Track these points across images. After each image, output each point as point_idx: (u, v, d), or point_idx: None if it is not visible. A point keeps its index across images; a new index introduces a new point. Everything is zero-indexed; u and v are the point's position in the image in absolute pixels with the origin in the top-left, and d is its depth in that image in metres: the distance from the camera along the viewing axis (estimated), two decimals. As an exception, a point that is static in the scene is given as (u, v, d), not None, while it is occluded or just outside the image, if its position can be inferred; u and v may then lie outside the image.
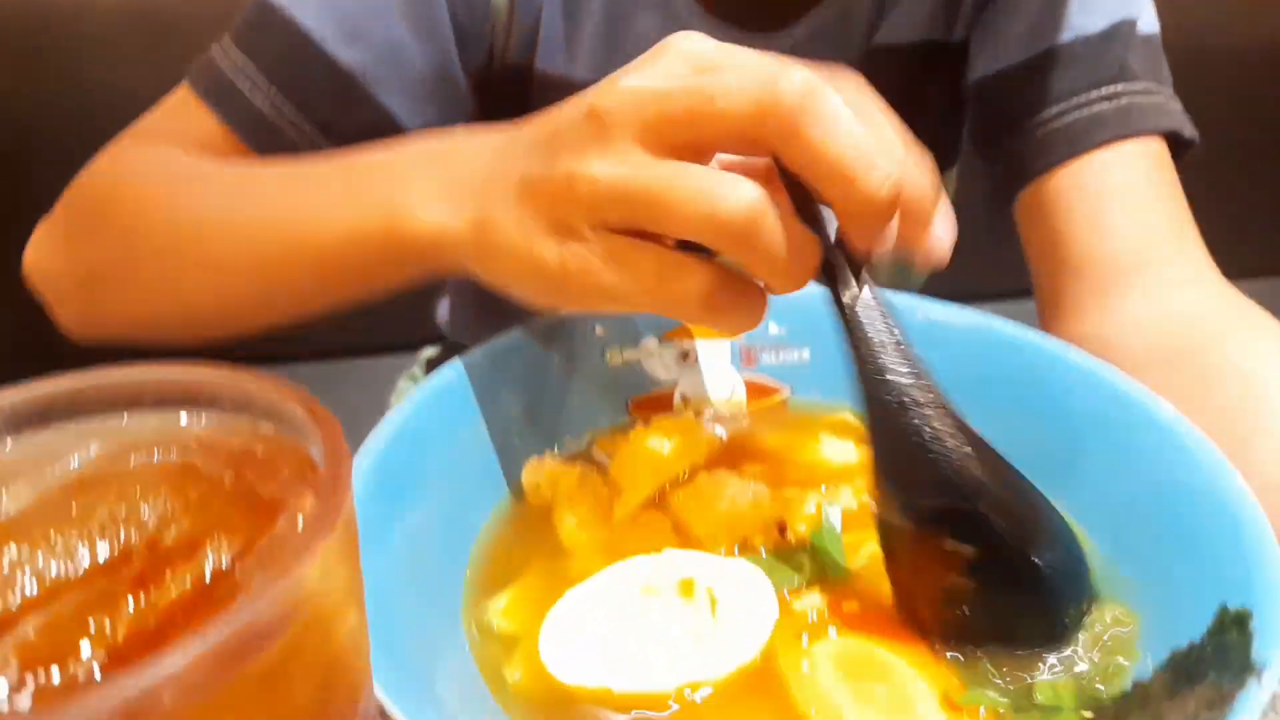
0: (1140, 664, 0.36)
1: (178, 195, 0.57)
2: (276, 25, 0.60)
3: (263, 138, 0.60)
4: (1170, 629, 0.36)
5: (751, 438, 0.51)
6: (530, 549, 0.45)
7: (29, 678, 0.20)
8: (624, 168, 0.35)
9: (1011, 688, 0.38)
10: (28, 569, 0.24)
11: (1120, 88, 0.61)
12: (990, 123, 0.65)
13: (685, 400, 0.54)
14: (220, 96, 0.61)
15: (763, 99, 0.34)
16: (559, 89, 0.66)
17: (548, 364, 0.51)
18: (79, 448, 0.28)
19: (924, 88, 0.68)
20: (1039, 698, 0.38)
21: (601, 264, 0.37)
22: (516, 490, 0.47)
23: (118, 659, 0.22)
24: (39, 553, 0.24)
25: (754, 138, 0.35)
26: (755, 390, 0.55)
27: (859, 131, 0.34)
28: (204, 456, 0.28)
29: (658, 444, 0.47)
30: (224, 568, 0.24)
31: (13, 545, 0.24)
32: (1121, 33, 0.62)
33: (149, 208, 0.58)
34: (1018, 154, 0.63)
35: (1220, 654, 0.31)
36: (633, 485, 0.45)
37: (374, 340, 1.60)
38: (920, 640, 0.40)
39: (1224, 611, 0.32)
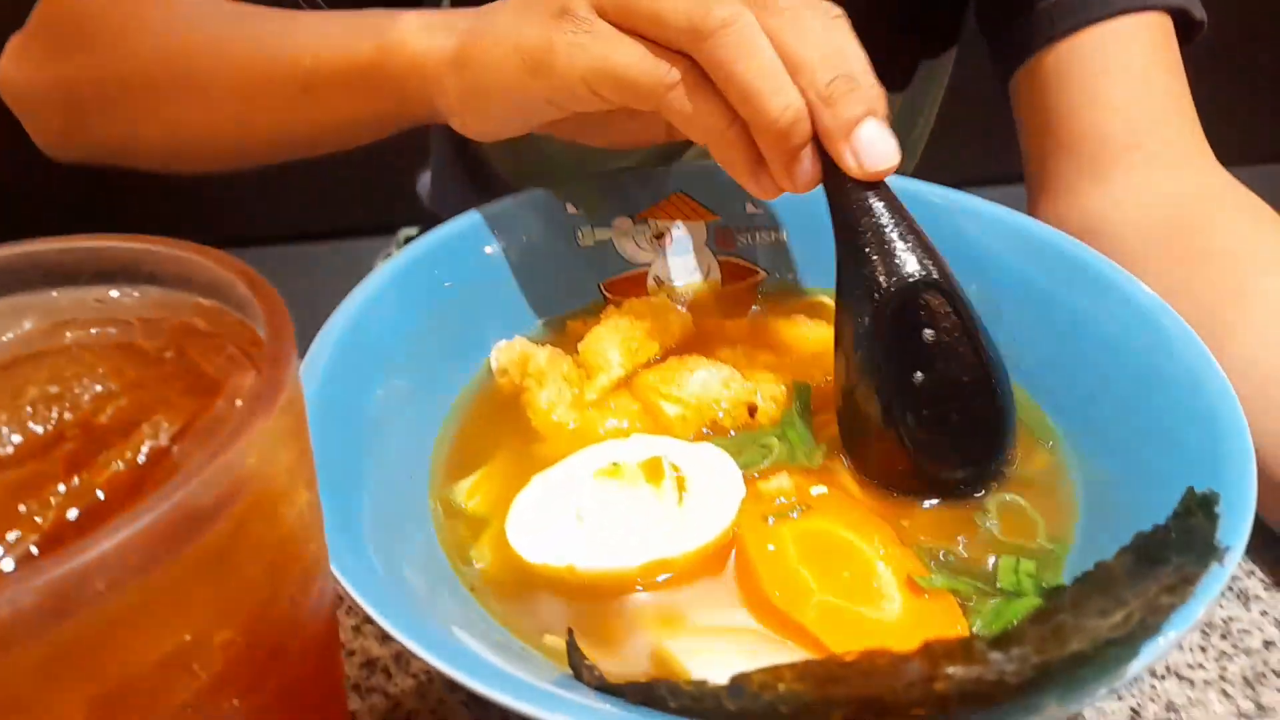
0: (1096, 542, 0.37)
1: (170, 20, 0.56)
2: None
3: None
4: (1137, 510, 0.36)
5: (725, 320, 0.51)
6: (499, 431, 0.44)
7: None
8: None
9: (974, 577, 0.38)
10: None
11: None
12: (984, 8, 0.62)
13: (659, 282, 0.53)
14: None
15: (693, 18, 0.38)
16: None
17: (517, 243, 0.50)
18: (11, 324, 0.27)
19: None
20: (1000, 583, 0.38)
21: (590, 40, 0.39)
22: (485, 372, 0.47)
23: (50, 542, 0.21)
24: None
25: (688, 51, 0.39)
26: (731, 272, 0.53)
27: (771, 63, 0.38)
28: (143, 333, 0.27)
29: (628, 326, 0.46)
30: (161, 447, 0.23)
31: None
32: None
33: (137, 29, 0.56)
34: (1022, 29, 0.60)
35: (1184, 537, 0.31)
36: (602, 367, 0.44)
37: (351, 221, 1.57)
38: (883, 523, 0.41)
39: (1190, 494, 0.32)
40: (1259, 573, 0.46)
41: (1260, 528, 0.47)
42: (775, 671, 0.25)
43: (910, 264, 0.39)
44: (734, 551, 0.40)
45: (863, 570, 0.40)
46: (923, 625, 0.38)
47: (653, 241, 0.53)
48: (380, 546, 0.33)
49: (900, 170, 0.88)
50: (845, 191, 0.40)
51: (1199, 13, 0.60)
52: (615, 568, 0.38)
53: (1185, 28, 0.60)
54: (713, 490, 0.40)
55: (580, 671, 0.30)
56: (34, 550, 0.21)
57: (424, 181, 1.00)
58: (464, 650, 0.30)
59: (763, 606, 0.38)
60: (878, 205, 0.40)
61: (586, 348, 0.45)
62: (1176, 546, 0.30)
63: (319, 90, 0.50)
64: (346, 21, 0.51)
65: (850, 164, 0.39)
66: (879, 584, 0.39)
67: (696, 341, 0.48)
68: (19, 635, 0.18)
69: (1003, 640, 0.25)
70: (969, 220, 0.49)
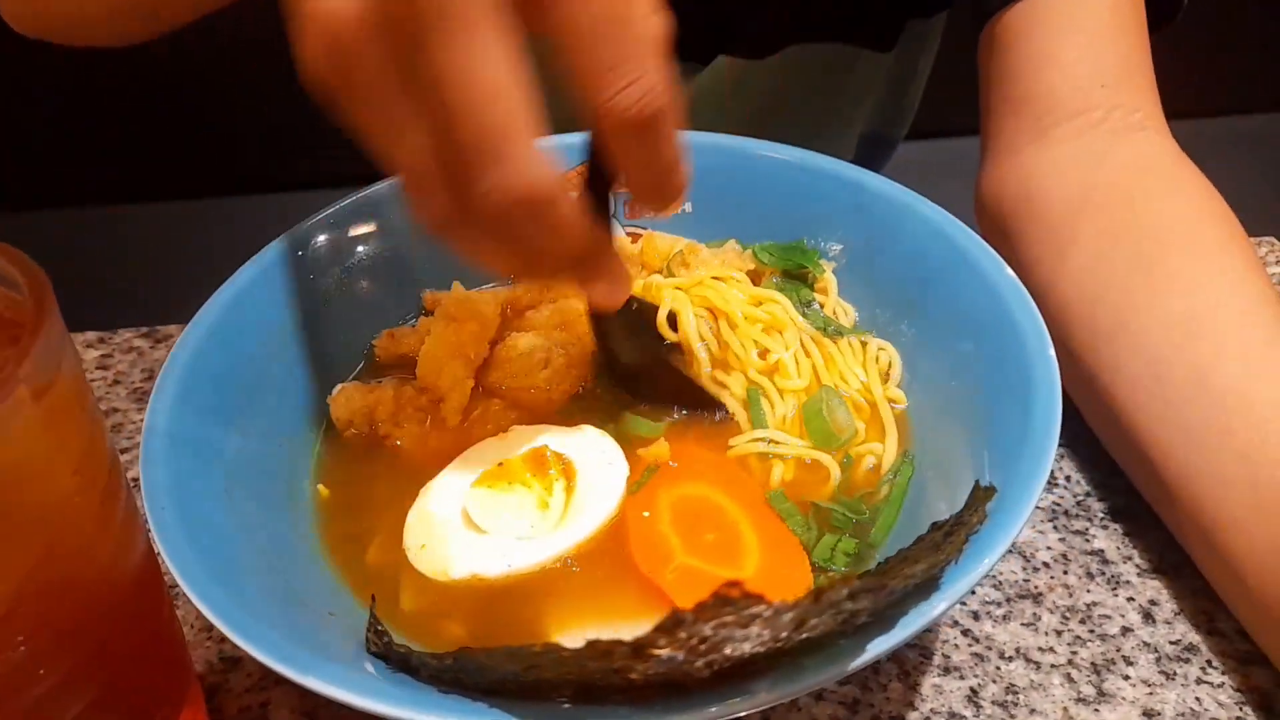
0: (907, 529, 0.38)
1: None
2: None
3: None
4: (944, 500, 0.36)
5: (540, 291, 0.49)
6: (379, 480, 0.43)
7: None
8: None
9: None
10: None
11: None
12: None
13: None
14: None
15: None
16: None
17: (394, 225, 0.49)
18: None
19: None
20: (814, 558, 0.38)
21: None
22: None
23: None
24: None
25: None
26: (635, 238, 0.54)
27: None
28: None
29: (454, 334, 0.44)
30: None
31: None
32: None
33: None
34: None
35: (964, 522, 0.31)
36: (451, 387, 0.44)
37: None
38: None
39: (976, 487, 0.32)
40: (1136, 558, 0.46)
41: (1144, 510, 0.47)
42: (490, 652, 0.27)
43: None
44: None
45: (728, 531, 0.41)
46: (773, 581, 0.39)
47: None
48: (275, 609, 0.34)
49: (894, 130, 0.86)
50: None
51: None
52: (517, 569, 0.38)
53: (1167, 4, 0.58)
54: (598, 472, 0.41)
55: (369, 639, 0.32)
56: None
57: None
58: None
59: (637, 573, 0.39)
60: None
61: (425, 372, 0.44)
62: (960, 527, 0.31)
63: None
64: None
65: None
66: (741, 542, 0.40)
67: (512, 320, 0.48)
68: None
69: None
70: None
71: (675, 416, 0.44)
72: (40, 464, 0.26)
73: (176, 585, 0.32)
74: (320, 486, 0.42)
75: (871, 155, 0.85)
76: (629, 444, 0.43)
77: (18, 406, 0.25)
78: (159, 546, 0.33)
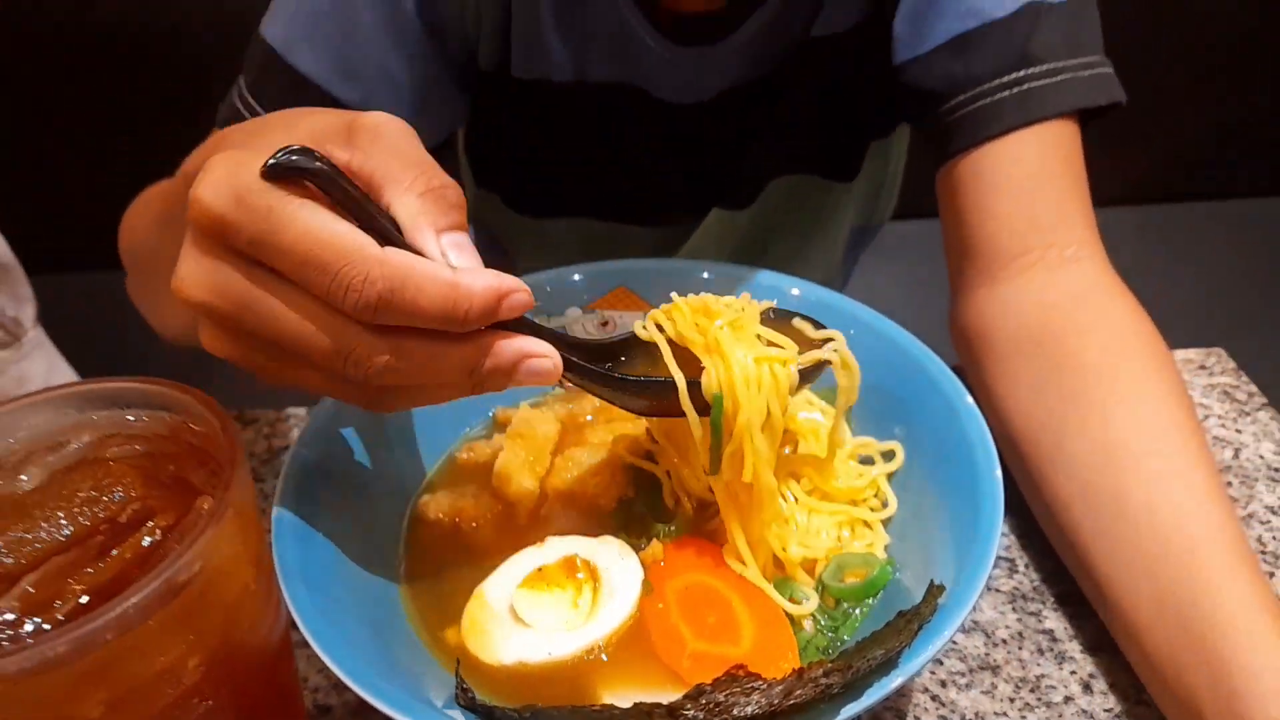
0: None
1: (145, 220, 0.67)
2: (279, 71, 0.65)
3: None
4: (908, 593, 0.45)
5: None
6: (460, 568, 0.51)
7: (28, 621, 0.33)
8: None
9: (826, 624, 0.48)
10: (42, 529, 0.36)
11: (1022, 74, 0.63)
12: (913, 104, 0.69)
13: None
14: None
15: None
16: (539, 92, 0.73)
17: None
18: (74, 436, 0.40)
19: (860, 69, 0.72)
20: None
21: None
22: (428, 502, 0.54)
23: (84, 607, 0.34)
24: (42, 524, 0.36)
25: None
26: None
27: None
28: (154, 448, 0.39)
29: (524, 448, 0.54)
30: (157, 540, 0.35)
31: (26, 517, 0.36)
32: (1029, 14, 0.63)
33: (129, 237, 0.69)
34: (935, 135, 0.67)
35: (922, 612, 0.40)
36: (523, 496, 0.53)
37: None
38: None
39: (932, 585, 0.41)
40: (1080, 637, 0.55)
41: (1081, 599, 0.55)
42: (558, 708, 0.36)
43: None
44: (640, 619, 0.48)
45: (724, 611, 0.49)
46: (766, 654, 0.47)
47: (600, 328, 0.64)
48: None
49: (876, 220, 0.94)
50: None
51: (1105, 99, 0.64)
52: (556, 657, 0.46)
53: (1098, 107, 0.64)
54: (618, 575, 0.49)
55: (458, 694, 0.41)
56: (83, 601, 0.34)
57: None
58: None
59: (655, 657, 0.47)
60: None
61: (500, 483, 0.53)
62: (915, 618, 0.40)
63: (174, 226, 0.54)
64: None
65: None
66: (737, 619, 0.49)
67: (573, 433, 0.57)
68: (62, 661, 0.31)
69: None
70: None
71: (673, 529, 0.52)
72: (233, 564, 0.36)
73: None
74: (411, 569, 0.52)
75: (858, 242, 0.94)
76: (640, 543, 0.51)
77: (227, 525, 0.35)
78: (294, 614, 0.43)
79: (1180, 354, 0.75)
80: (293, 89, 0.64)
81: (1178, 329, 0.75)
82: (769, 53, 0.71)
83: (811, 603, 0.48)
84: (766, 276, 0.62)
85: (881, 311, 0.59)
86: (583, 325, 0.64)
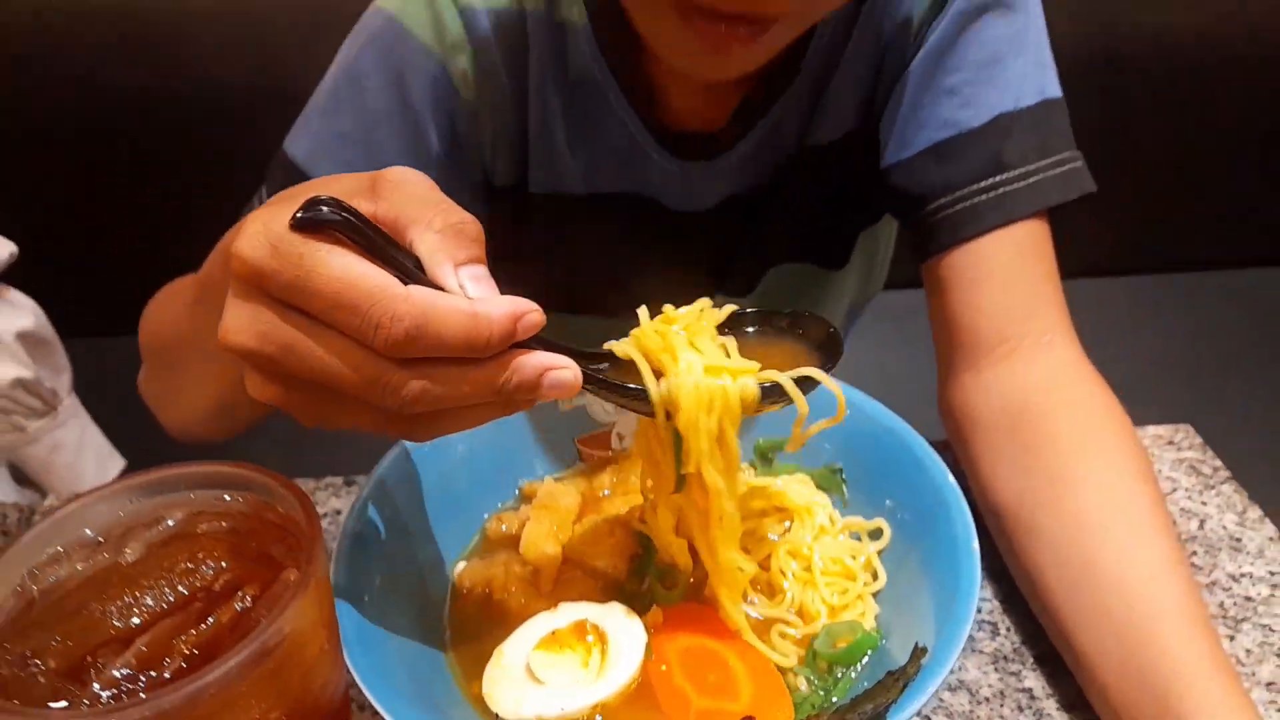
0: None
1: (170, 313, 0.71)
2: (299, 183, 0.69)
3: None
4: (893, 659, 0.51)
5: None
6: (492, 627, 0.57)
7: (141, 677, 0.38)
8: None
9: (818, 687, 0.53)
10: (146, 599, 0.42)
11: (998, 179, 0.69)
12: (899, 204, 0.75)
13: (619, 437, 0.70)
14: None
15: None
16: (555, 206, 0.80)
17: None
18: (169, 514, 0.46)
19: (851, 170, 0.79)
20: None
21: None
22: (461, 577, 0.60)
23: (189, 665, 0.39)
24: (148, 592, 0.42)
25: None
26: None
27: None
28: (240, 525, 0.45)
29: (547, 519, 0.60)
30: (248, 608, 0.41)
31: (133, 586, 0.42)
32: (1001, 123, 0.69)
33: (155, 329, 0.73)
34: (919, 233, 0.74)
35: (906, 672, 0.46)
36: (547, 562, 0.58)
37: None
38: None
39: (916, 647, 0.47)
40: (1057, 696, 0.60)
41: (1058, 660, 0.61)
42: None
43: None
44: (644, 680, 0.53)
45: (722, 669, 0.54)
46: (764, 706, 0.52)
47: (616, 407, 0.70)
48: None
49: (867, 298, 1.00)
50: None
51: (1074, 194, 0.70)
52: (569, 713, 0.51)
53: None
54: (624, 639, 0.54)
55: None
56: (184, 664, 0.40)
57: None
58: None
59: (659, 713, 0.52)
60: None
61: (526, 550, 0.59)
62: (901, 677, 0.46)
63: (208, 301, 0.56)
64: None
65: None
66: (735, 675, 0.54)
67: (590, 504, 0.64)
68: (172, 713, 0.36)
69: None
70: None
71: (672, 595, 0.58)
72: (312, 628, 0.42)
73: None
74: (452, 630, 0.57)
75: (852, 318, 1.01)
76: (644, 609, 0.57)
77: (309, 594, 0.41)
78: (354, 673, 0.48)
79: (1151, 430, 0.81)
80: None
81: (1149, 403, 0.81)
82: (766, 163, 0.78)
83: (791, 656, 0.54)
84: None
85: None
86: (601, 405, 0.70)
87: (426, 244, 0.42)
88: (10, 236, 1.27)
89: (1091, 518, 0.58)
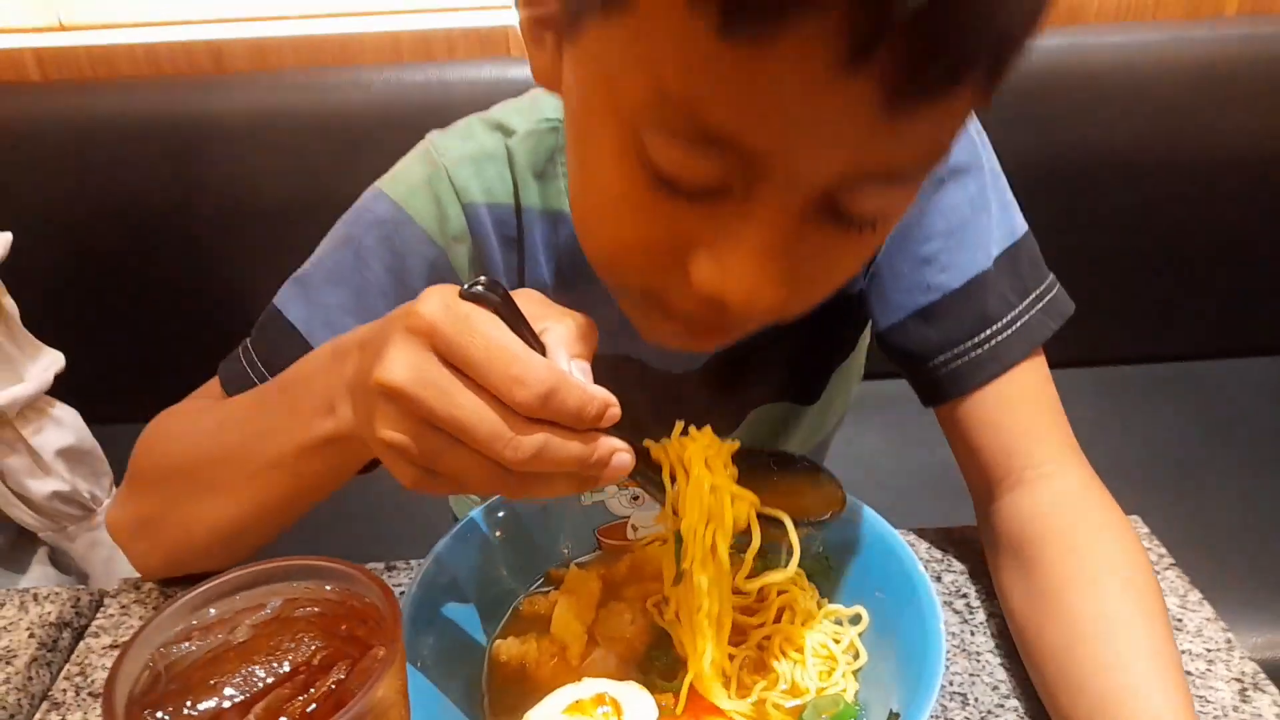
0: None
1: (195, 435, 0.75)
2: (299, 348, 0.75)
3: None
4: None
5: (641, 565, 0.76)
6: (525, 698, 0.64)
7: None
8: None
9: None
10: (257, 672, 0.51)
11: (989, 332, 0.76)
12: (900, 361, 0.83)
13: (634, 528, 0.80)
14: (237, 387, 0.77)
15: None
16: None
17: (539, 503, 0.77)
18: (269, 600, 0.55)
19: (831, 328, 0.91)
20: None
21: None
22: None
23: (298, 725, 0.48)
24: (259, 665, 0.51)
25: None
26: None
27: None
28: (330, 610, 0.54)
29: (575, 601, 0.70)
30: (342, 679, 0.50)
31: (245, 661, 0.51)
32: (979, 283, 0.76)
33: (175, 451, 0.75)
34: (922, 387, 0.82)
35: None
36: (574, 639, 0.67)
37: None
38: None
39: (890, 714, 0.56)
40: (1018, 758, 0.69)
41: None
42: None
43: None
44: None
45: None
46: None
47: (631, 501, 0.80)
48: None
49: (842, 411, 1.11)
50: None
51: (1062, 316, 0.78)
52: None
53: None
54: (637, 707, 0.62)
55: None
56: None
57: None
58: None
59: None
60: None
61: (558, 628, 0.68)
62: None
63: (302, 475, 0.65)
64: (283, 403, 0.64)
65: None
66: None
67: (610, 588, 0.73)
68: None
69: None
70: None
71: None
72: (395, 697, 0.51)
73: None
74: (491, 701, 0.66)
75: (823, 444, 1.11)
76: (657, 689, 0.66)
77: (395, 668, 0.50)
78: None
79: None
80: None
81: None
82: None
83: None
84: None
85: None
86: (619, 499, 0.80)
87: (554, 334, 0.53)
88: (58, 339, 1.36)
89: (1088, 630, 0.65)
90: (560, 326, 0.53)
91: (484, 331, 0.49)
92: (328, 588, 0.55)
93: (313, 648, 0.52)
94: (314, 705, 0.49)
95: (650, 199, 0.51)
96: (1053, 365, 0.81)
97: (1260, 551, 1.44)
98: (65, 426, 1.34)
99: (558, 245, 0.82)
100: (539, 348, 0.52)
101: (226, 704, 0.49)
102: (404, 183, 0.79)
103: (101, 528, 1.40)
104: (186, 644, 0.52)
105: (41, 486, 1.30)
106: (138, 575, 0.84)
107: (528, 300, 0.54)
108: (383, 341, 0.52)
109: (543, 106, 0.81)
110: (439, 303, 0.50)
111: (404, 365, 0.50)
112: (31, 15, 1.81)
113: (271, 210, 1.72)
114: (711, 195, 0.50)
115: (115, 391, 1.53)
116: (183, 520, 0.74)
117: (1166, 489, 1.54)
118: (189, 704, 0.49)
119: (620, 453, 0.53)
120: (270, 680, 0.51)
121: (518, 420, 0.49)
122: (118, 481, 1.45)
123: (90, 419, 1.40)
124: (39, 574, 1.38)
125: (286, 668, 0.51)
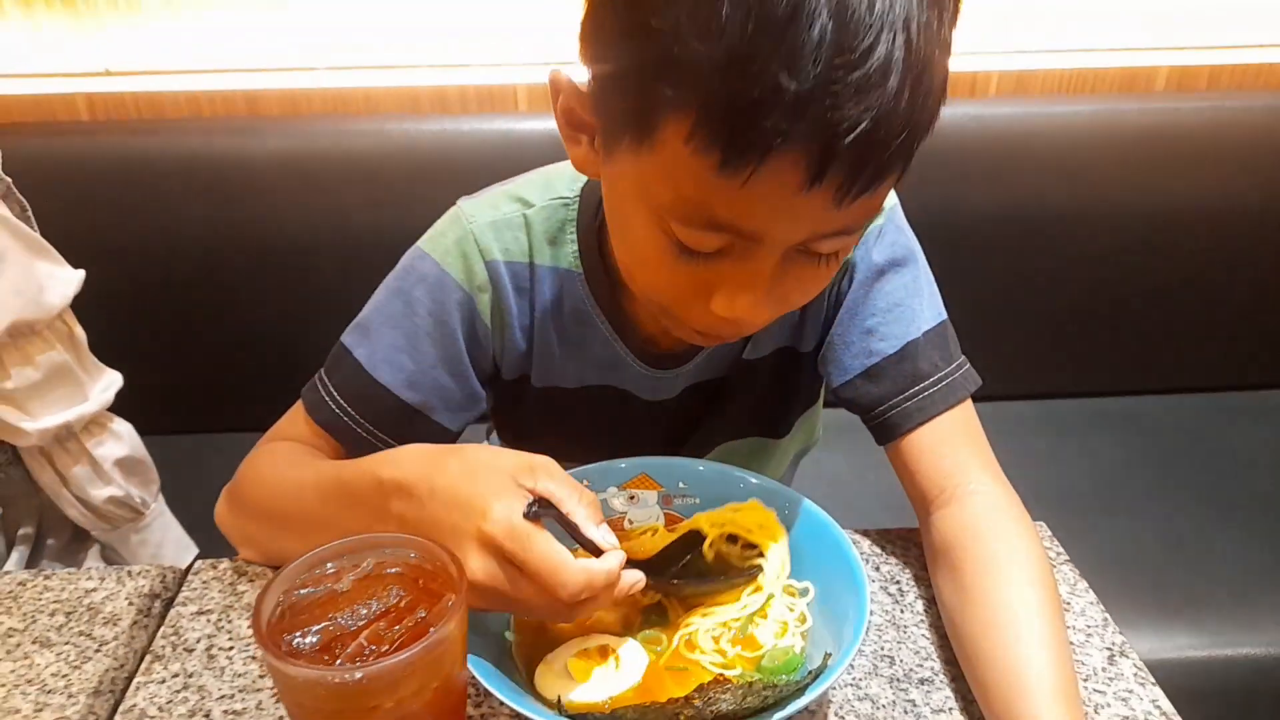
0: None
1: (284, 486, 0.90)
2: (364, 381, 0.95)
3: (349, 443, 0.96)
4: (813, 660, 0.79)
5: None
6: (544, 646, 0.84)
7: (366, 653, 0.66)
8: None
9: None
10: (359, 610, 0.69)
11: (919, 388, 0.94)
12: (852, 410, 1.00)
13: (630, 521, 0.98)
14: (323, 419, 0.96)
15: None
16: (551, 394, 1.10)
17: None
18: (363, 560, 0.73)
19: (787, 377, 1.10)
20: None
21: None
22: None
23: (392, 649, 0.66)
24: (359, 606, 0.69)
25: None
26: (669, 519, 0.99)
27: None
28: (410, 570, 0.73)
29: None
30: (422, 618, 0.69)
31: (351, 603, 0.69)
32: (910, 350, 0.95)
33: (265, 496, 0.92)
34: (872, 429, 0.99)
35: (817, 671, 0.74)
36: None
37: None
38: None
39: (825, 656, 0.75)
40: (929, 705, 0.87)
41: (935, 682, 0.88)
42: (633, 707, 0.69)
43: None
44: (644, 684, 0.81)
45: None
46: None
47: (628, 500, 0.99)
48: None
49: (809, 442, 1.32)
50: None
51: (975, 384, 0.97)
52: (592, 700, 0.78)
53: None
54: (632, 655, 0.81)
55: (561, 709, 0.74)
56: (389, 648, 0.67)
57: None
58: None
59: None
60: None
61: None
62: (817, 671, 0.74)
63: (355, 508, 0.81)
64: (351, 501, 0.81)
65: None
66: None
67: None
68: (386, 674, 0.63)
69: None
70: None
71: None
72: (460, 632, 0.69)
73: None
74: (515, 644, 0.86)
75: (798, 459, 1.31)
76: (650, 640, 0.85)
77: (459, 610, 0.68)
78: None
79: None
80: (370, 389, 0.96)
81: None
82: (717, 367, 1.09)
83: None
84: (737, 470, 0.98)
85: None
86: (618, 498, 0.99)
87: (579, 516, 0.74)
88: (119, 361, 1.52)
89: (997, 623, 0.82)
90: (581, 508, 0.74)
91: (537, 549, 0.69)
92: (411, 555, 0.73)
93: (399, 595, 0.71)
94: (402, 635, 0.67)
95: (674, 259, 0.72)
96: (1003, 399, 1.01)
97: (1165, 565, 1.64)
98: (122, 439, 1.50)
99: (563, 297, 1.00)
100: (574, 525, 0.73)
101: (338, 632, 0.67)
102: (440, 244, 0.97)
103: (148, 528, 1.57)
104: (306, 590, 0.70)
105: (100, 492, 1.47)
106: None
107: (551, 478, 0.74)
108: (456, 541, 0.72)
109: (556, 186, 1.01)
110: (505, 524, 0.69)
111: (481, 570, 0.71)
112: (83, 62, 1.99)
113: (298, 243, 1.90)
114: (719, 255, 0.70)
115: (162, 407, 1.69)
116: (275, 547, 0.94)
117: (1093, 510, 1.75)
118: (310, 629, 0.67)
119: (637, 582, 0.77)
120: (369, 617, 0.69)
121: (564, 605, 0.70)
122: (164, 489, 1.61)
123: (140, 431, 1.57)
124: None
125: (379, 608, 0.70)
